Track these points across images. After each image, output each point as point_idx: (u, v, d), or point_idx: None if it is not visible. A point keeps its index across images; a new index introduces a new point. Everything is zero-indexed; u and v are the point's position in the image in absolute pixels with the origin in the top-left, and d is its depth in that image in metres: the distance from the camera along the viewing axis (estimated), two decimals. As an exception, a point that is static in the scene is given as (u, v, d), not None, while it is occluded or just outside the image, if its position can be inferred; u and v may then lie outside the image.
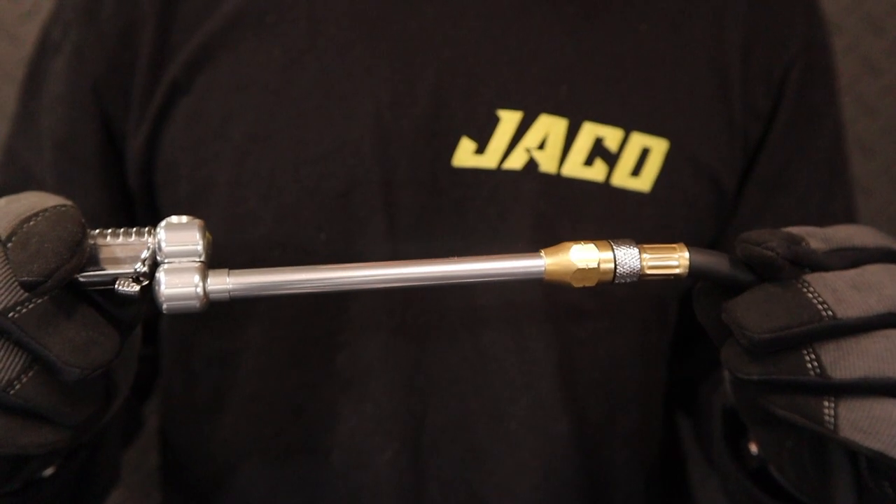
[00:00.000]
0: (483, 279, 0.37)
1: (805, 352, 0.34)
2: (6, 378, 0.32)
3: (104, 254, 0.35)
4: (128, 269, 0.35)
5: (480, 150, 0.51)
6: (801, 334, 0.34)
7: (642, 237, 0.52)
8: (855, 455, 0.38)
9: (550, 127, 0.51)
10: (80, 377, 0.33)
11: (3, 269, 0.33)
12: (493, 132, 0.51)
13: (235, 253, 0.50)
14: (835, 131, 0.60)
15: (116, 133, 0.55)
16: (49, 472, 0.42)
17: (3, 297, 0.32)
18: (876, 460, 0.35)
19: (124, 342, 0.36)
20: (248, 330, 0.53)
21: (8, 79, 0.71)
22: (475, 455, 0.53)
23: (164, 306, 0.35)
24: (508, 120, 0.51)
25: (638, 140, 0.52)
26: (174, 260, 0.35)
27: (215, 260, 0.37)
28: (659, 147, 0.53)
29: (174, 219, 0.36)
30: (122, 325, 0.36)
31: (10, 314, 0.32)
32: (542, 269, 0.37)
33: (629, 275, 0.37)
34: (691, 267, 0.37)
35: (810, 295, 0.34)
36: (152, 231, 0.36)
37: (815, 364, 0.34)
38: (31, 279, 0.31)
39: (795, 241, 0.35)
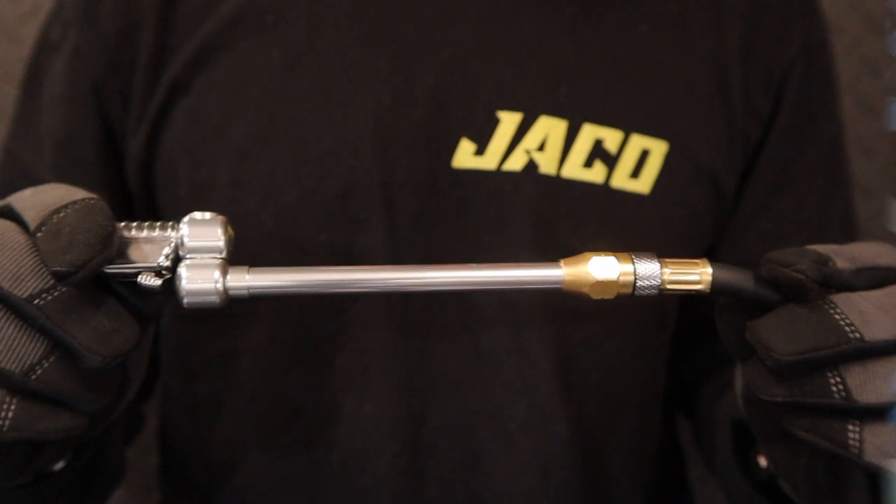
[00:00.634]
0: (503, 287, 0.37)
1: (830, 374, 0.34)
2: (28, 363, 0.33)
3: (129, 247, 0.36)
4: (151, 263, 0.36)
5: (480, 151, 0.51)
6: (827, 357, 0.34)
7: (642, 239, 0.53)
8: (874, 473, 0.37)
9: (550, 128, 0.51)
10: (102, 364, 0.33)
11: (31, 258, 0.33)
12: (493, 133, 0.51)
13: (234, 253, 0.50)
14: (835, 132, 0.60)
15: (116, 133, 0.55)
16: (59, 466, 0.42)
17: (30, 284, 0.33)
18: None
19: (144, 334, 0.37)
20: (248, 330, 0.53)
21: (8, 79, 0.71)
22: (474, 456, 0.53)
23: (185, 301, 0.36)
24: (508, 121, 0.51)
25: (637, 142, 0.52)
26: (196, 256, 0.36)
27: None
28: (658, 149, 0.53)
29: (197, 215, 0.37)
30: (142, 316, 0.37)
31: (36, 301, 0.33)
32: (561, 279, 0.36)
33: (649, 288, 0.36)
34: (713, 283, 0.36)
35: (837, 316, 0.34)
36: (175, 226, 0.36)
37: (841, 387, 0.34)
38: (63, 269, 0.32)
39: (823, 261, 0.35)
